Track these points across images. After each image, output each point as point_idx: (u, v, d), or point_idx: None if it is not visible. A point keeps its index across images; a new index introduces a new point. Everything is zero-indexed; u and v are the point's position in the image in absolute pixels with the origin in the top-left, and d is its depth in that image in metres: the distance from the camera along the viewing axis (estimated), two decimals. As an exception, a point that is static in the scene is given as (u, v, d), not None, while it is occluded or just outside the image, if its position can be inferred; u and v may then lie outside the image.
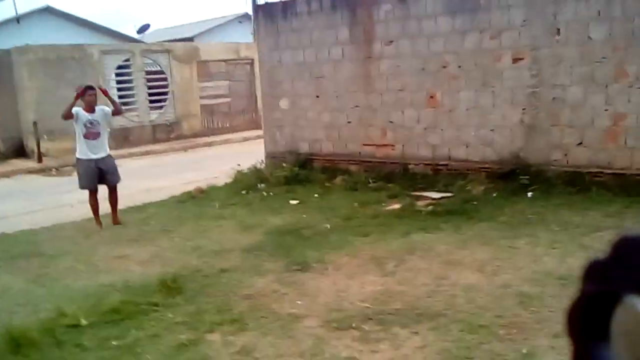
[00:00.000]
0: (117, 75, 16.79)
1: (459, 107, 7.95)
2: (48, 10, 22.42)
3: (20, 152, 15.01)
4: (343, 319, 4.05)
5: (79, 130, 7.09)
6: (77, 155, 7.33)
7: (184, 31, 26.97)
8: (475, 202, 7.03)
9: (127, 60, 16.83)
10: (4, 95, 14.91)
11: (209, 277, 5.11)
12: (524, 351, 3.41)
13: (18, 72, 14.90)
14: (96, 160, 7.21)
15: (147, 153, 15.58)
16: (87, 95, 7.11)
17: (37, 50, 14.90)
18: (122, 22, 37.09)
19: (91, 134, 7.14)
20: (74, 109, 7.08)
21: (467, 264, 5.01)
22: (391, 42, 8.37)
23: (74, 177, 8.27)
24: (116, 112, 7.54)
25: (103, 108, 7.26)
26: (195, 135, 17.82)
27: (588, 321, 0.49)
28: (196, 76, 18.08)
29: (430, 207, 7.04)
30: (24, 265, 5.87)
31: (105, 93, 7.43)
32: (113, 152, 15.41)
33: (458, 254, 5.30)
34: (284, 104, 9.59)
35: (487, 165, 7.75)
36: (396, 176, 8.40)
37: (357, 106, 8.84)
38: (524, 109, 7.44)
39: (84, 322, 4.20)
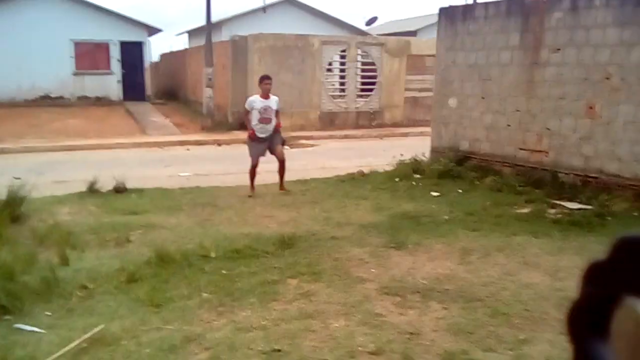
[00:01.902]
0: (330, 64, 18.66)
1: (616, 120, 7.74)
2: (290, 2, 25.41)
3: (243, 124, 17.66)
4: (397, 287, 4.81)
5: (255, 114, 8.51)
6: (250, 138, 8.71)
7: (409, 24, 28.15)
8: (608, 218, 6.95)
9: (343, 50, 18.59)
10: (238, 75, 17.73)
11: (319, 240, 6.20)
12: (521, 337, 3.85)
13: (251, 56, 17.51)
14: (265, 139, 8.58)
15: (346, 137, 17.15)
16: (264, 84, 8.48)
17: (267, 38, 17.35)
18: (355, 14, 39.95)
19: (264, 119, 8.50)
20: (250, 97, 8.54)
21: (543, 267, 5.30)
22: (558, 49, 8.41)
23: None
24: (278, 124, 8.64)
25: (276, 97, 8.59)
26: (396, 124, 18.93)
27: (588, 322, 0.48)
28: (405, 69, 19.11)
29: (558, 216, 7.15)
30: (199, 211, 7.61)
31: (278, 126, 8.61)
32: (317, 133, 17.30)
33: (543, 258, 5.57)
34: (452, 102, 10.14)
35: (637, 183, 7.47)
36: (545, 183, 8.48)
37: (517, 110, 9.04)
38: (685, 128, 7.02)
39: (212, 255, 5.61)
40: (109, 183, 8.71)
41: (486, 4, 9.42)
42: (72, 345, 3.68)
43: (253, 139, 8.67)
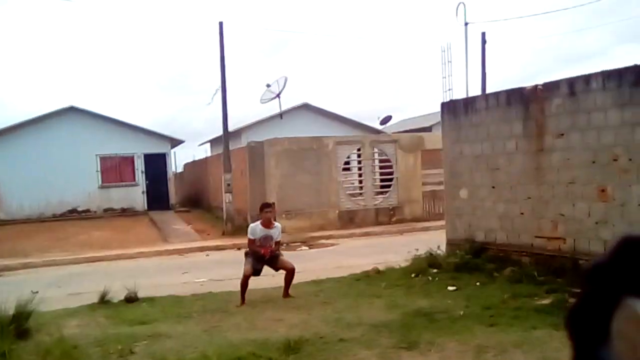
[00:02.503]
0: (347, 163, 18.95)
1: (631, 202, 7.55)
2: (306, 107, 26.30)
3: (263, 227, 17.76)
4: (404, 392, 4.52)
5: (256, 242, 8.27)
6: (249, 252, 8.42)
7: (423, 121, 28.71)
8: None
9: (359, 149, 18.92)
10: (256, 179, 18.06)
11: (327, 343, 5.95)
12: None
13: (267, 160, 17.91)
14: (263, 260, 8.28)
15: (366, 234, 17.04)
16: (264, 212, 8.22)
17: (282, 142, 17.81)
18: (370, 115, 41.32)
19: (265, 248, 8.17)
20: (252, 225, 8.38)
21: (562, 362, 4.96)
22: (562, 134, 8.40)
23: (298, 252, 10.07)
24: (277, 245, 8.36)
25: (279, 226, 8.43)
26: (416, 219, 18.81)
27: (589, 322, 0.49)
28: (420, 164, 19.27)
29: (581, 305, 6.80)
30: (209, 318, 7.46)
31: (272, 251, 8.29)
32: (337, 232, 17.20)
33: (564, 353, 5.20)
34: (463, 193, 10.07)
35: (660, 266, 7.13)
36: (565, 271, 8.15)
37: (529, 197, 8.91)
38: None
39: (216, 364, 5.41)
40: (122, 293, 8.67)
41: (486, 95, 9.62)
42: None
43: (251, 255, 8.43)
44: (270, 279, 10.09)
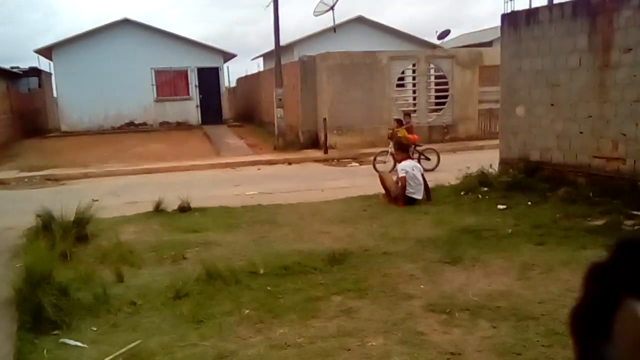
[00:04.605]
0: (401, 79, 18.46)
1: (701, 122, 7.08)
2: (360, 20, 25.45)
3: (314, 143, 17.80)
4: (445, 304, 4.57)
5: None
6: None
7: (483, 36, 27.42)
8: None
9: (413, 65, 18.35)
10: (307, 95, 17.92)
11: (371, 256, 6.03)
12: None
13: (319, 75, 17.64)
14: None
15: (418, 152, 16.81)
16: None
17: (335, 57, 17.43)
18: (428, 30, 39.50)
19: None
20: None
21: (609, 283, 4.86)
22: (629, 50, 7.84)
23: (349, 168, 10.44)
24: None
25: None
26: (470, 138, 18.38)
27: (590, 322, 0.49)
28: (477, 81, 18.59)
29: (636, 227, 6.60)
30: (257, 228, 7.65)
31: None
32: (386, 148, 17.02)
33: (612, 273, 5.10)
34: (519, 111, 9.69)
35: None
36: (622, 192, 7.86)
37: (590, 116, 8.49)
38: None
39: (261, 271, 5.59)
40: (176, 203, 8.96)
41: (550, 6, 8.99)
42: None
43: None
44: (319, 193, 10.24)
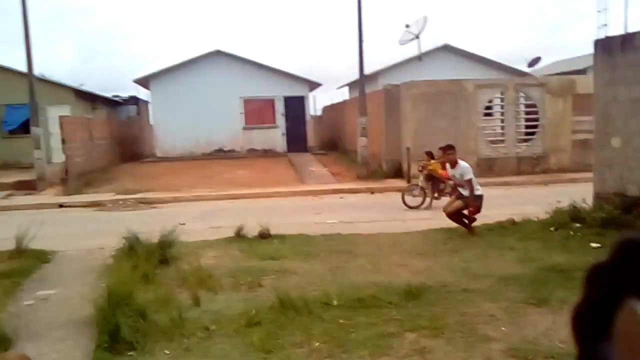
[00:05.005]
0: (488, 108, 17.96)
1: None
2: (446, 48, 25.18)
3: (398, 172, 17.59)
4: (527, 350, 4.27)
5: None
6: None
7: (576, 63, 26.25)
8: None
9: (501, 93, 17.83)
10: (391, 123, 17.81)
11: (450, 292, 5.79)
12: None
13: (404, 104, 17.49)
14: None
15: (505, 183, 16.18)
16: (447, 154, 9.23)
17: (419, 85, 17.26)
18: (517, 57, 38.14)
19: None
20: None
21: None
22: None
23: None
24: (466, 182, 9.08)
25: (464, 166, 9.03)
26: (562, 170, 17.52)
27: (591, 323, 0.50)
28: (570, 110, 17.77)
29: None
30: (335, 258, 7.58)
31: None
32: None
33: None
34: (615, 142, 9.10)
35: None
36: None
37: (696, 149, 7.83)
38: None
39: (334, 302, 5.50)
40: (256, 229, 9.08)
41: (649, 31, 8.43)
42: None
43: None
44: (400, 224, 10.05)
